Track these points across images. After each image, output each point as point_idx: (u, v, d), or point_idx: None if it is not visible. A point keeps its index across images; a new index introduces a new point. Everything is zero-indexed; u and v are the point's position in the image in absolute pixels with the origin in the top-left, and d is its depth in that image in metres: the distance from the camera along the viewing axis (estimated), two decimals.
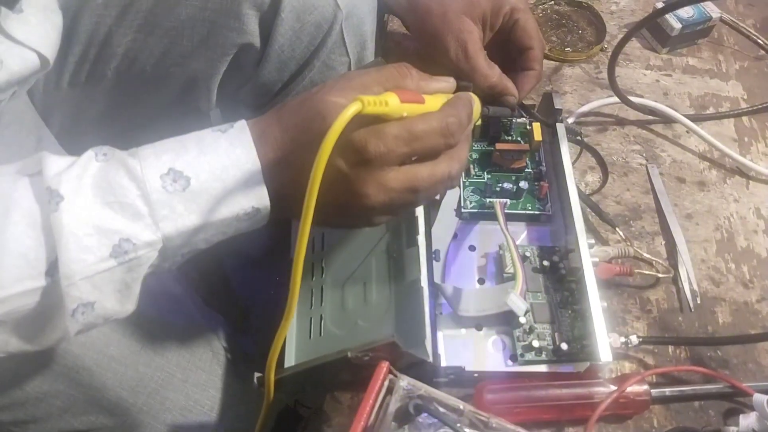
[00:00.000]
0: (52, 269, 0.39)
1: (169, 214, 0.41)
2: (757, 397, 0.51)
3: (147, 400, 0.58)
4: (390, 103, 0.40)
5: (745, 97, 0.77)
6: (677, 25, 0.77)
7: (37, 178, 0.40)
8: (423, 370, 0.50)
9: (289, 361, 0.54)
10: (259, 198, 0.42)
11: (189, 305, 0.66)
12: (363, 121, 0.40)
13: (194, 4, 0.58)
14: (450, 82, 0.48)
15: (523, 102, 0.63)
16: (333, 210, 0.43)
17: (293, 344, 0.55)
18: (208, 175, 0.41)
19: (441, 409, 0.44)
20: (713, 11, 0.78)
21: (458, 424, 0.44)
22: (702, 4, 0.78)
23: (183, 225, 0.41)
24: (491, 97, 0.59)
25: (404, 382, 0.45)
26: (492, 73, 0.58)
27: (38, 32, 0.53)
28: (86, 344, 0.55)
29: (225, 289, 0.81)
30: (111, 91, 0.67)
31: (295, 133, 0.42)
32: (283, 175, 0.42)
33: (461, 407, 0.45)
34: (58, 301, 0.40)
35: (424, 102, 0.43)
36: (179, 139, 0.43)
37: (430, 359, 0.49)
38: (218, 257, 0.85)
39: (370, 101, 0.38)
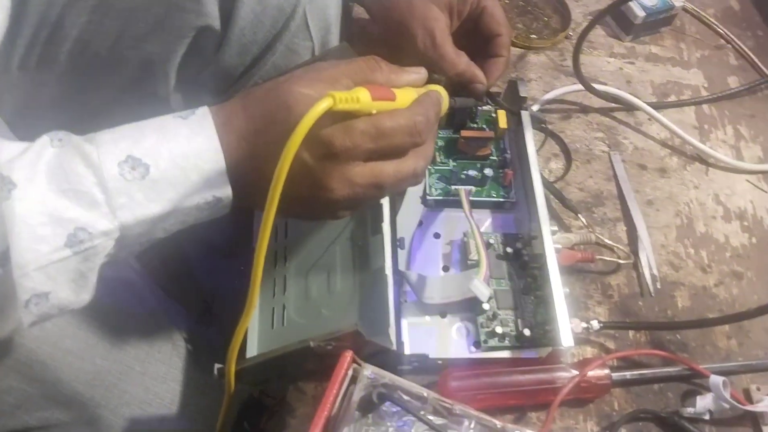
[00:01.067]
0: (3, 259, 0.38)
1: (127, 203, 0.40)
2: (714, 379, 0.53)
3: (105, 394, 0.56)
4: (361, 99, 0.39)
5: (706, 85, 0.79)
6: (641, 14, 0.77)
7: None
8: (387, 358, 0.49)
9: (252, 351, 0.53)
10: (221, 187, 0.42)
11: (148, 295, 0.64)
12: (332, 116, 0.39)
13: None
14: (420, 74, 0.48)
15: (489, 90, 0.62)
16: (297, 202, 0.43)
17: (255, 334, 0.54)
18: (168, 163, 0.40)
19: (405, 397, 0.44)
20: (676, 0, 0.79)
21: (422, 412, 0.44)
22: None
23: (142, 214, 0.40)
24: (459, 85, 0.59)
25: (368, 371, 0.45)
26: (460, 60, 0.57)
27: None
28: (40, 337, 0.53)
29: (187, 278, 0.79)
30: (64, 75, 0.65)
31: (261, 123, 0.41)
32: (247, 164, 0.42)
33: (425, 395, 0.45)
34: (10, 292, 0.38)
35: (395, 98, 0.43)
36: (139, 125, 0.41)
37: (394, 347, 0.48)
38: (180, 245, 0.84)
39: (341, 98, 0.38)
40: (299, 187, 0.41)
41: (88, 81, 0.65)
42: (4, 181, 0.37)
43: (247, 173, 0.42)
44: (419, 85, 0.47)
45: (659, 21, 0.81)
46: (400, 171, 0.44)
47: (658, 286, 0.61)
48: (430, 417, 0.44)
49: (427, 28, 0.58)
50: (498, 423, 0.45)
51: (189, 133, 0.41)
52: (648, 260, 0.62)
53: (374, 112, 0.41)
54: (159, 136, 0.40)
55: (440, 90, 0.49)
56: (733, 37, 0.83)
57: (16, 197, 0.37)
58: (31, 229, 0.38)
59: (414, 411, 0.43)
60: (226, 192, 0.42)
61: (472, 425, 0.45)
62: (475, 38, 0.61)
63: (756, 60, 0.81)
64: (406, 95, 0.44)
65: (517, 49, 0.77)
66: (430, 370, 0.52)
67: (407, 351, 0.51)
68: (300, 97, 0.40)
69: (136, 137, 0.40)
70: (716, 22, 0.84)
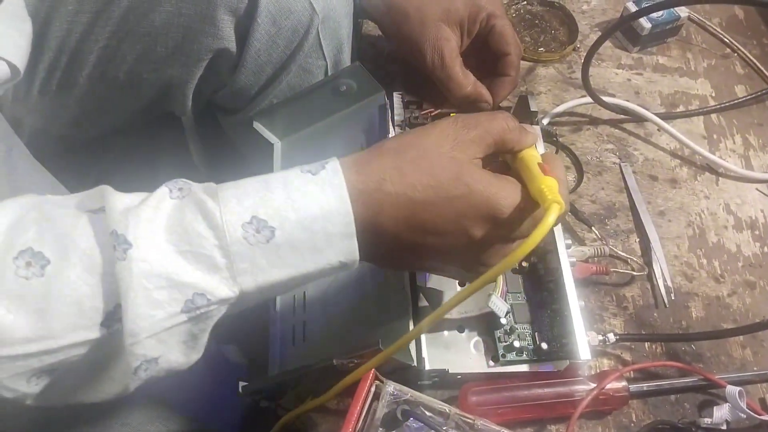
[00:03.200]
0: (109, 320, 0.36)
1: (250, 268, 0.37)
2: (730, 389, 0.53)
3: (129, 411, 0.57)
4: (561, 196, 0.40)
5: (713, 94, 0.79)
6: (647, 25, 0.78)
7: (99, 216, 0.37)
8: (407, 373, 0.50)
9: (273, 367, 0.54)
10: (349, 252, 0.39)
11: None
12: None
13: (168, 10, 0.57)
14: (535, 134, 0.50)
15: (500, 105, 0.63)
16: (447, 268, 0.46)
17: (277, 350, 0.55)
18: (294, 225, 0.37)
19: (427, 413, 0.45)
20: (681, 10, 0.80)
21: (444, 428, 0.45)
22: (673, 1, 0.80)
23: (264, 280, 0.38)
24: (466, 104, 0.60)
25: (391, 387, 0.46)
26: (467, 82, 0.59)
27: (7, 41, 0.52)
28: None
29: None
30: (83, 98, 0.66)
31: (428, 193, 0.40)
32: (397, 230, 0.41)
33: (447, 410, 0.46)
34: (115, 354, 0.37)
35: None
36: (264, 180, 0.39)
37: (415, 363, 0.49)
38: None
39: (562, 203, 0.40)
40: (457, 257, 0.43)
41: (106, 103, 0.67)
42: (119, 239, 0.35)
43: (395, 240, 0.41)
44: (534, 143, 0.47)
45: (665, 32, 0.81)
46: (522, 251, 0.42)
47: (673, 297, 0.62)
48: None
49: (437, 48, 0.59)
50: None
51: (319, 193, 0.38)
52: (662, 271, 0.63)
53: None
54: (286, 195, 0.38)
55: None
56: (738, 45, 0.84)
57: (133, 258, 0.35)
58: (148, 293, 0.35)
59: (437, 427, 0.44)
60: (354, 257, 0.39)
61: None
62: (485, 55, 0.63)
63: (762, 68, 0.82)
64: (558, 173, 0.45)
65: (526, 62, 0.78)
66: (450, 384, 0.53)
67: (427, 366, 0.52)
68: (469, 171, 0.41)
69: (261, 195, 0.38)
70: (722, 32, 0.85)
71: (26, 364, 0.36)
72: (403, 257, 0.44)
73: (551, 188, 0.40)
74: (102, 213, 0.36)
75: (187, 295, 0.36)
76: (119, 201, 0.36)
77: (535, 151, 0.45)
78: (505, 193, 0.41)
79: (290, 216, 0.37)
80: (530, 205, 0.41)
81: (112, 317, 0.35)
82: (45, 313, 0.35)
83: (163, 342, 0.37)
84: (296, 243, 0.37)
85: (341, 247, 0.39)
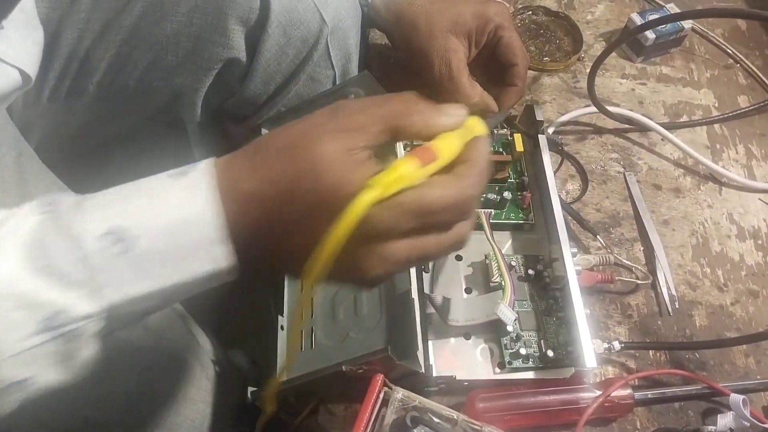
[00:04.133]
0: None
1: (113, 281, 0.35)
2: (734, 397, 0.54)
3: (136, 417, 0.58)
4: (408, 176, 0.34)
5: (716, 104, 0.80)
6: (651, 36, 0.79)
7: None
8: (415, 379, 0.51)
9: (281, 373, 0.54)
10: (222, 259, 0.36)
11: (176, 318, 0.65)
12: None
13: (179, 20, 0.58)
14: (460, 116, 0.39)
15: (507, 114, 0.64)
16: (329, 277, 0.36)
17: (284, 357, 0.55)
18: (158, 234, 0.35)
19: (435, 420, 0.46)
20: (685, 22, 0.81)
21: None
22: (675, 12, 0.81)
23: (132, 292, 0.35)
24: (474, 114, 0.61)
25: (399, 394, 0.46)
26: (474, 92, 0.59)
27: (19, 49, 0.52)
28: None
29: (213, 301, 0.81)
30: (92, 104, 0.67)
31: (280, 189, 0.35)
32: (260, 233, 0.36)
33: (455, 417, 0.46)
34: None
35: (437, 159, 0.36)
36: (133, 187, 0.36)
37: (422, 370, 0.50)
38: None
39: (388, 183, 0.33)
40: (333, 266, 0.35)
41: (116, 109, 0.67)
42: None
43: (260, 242, 0.36)
44: (458, 128, 0.40)
45: (669, 42, 0.82)
46: (442, 244, 0.38)
47: (677, 306, 0.62)
48: None
49: (445, 59, 0.60)
50: None
51: (183, 198, 0.35)
52: (666, 280, 0.63)
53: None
54: (149, 201, 0.35)
55: (478, 125, 0.40)
56: (741, 56, 0.85)
57: None
58: (5, 314, 0.34)
59: None
60: (228, 263, 0.36)
61: None
62: (493, 65, 0.63)
63: (764, 79, 0.83)
64: (449, 146, 0.37)
65: (531, 71, 0.79)
66: (456, 391, 0.54)
67: (434, 373, 0.52)
68: (327, 162, 0.34)
69: (125, 202, 0.35)
70: (725, 42, 0.86)
71: None
72: (288, 259, 0.38)
73: (387, 173, 0.34)
74: None
75: (45, 313, 0.34)
76: None
77: (452, 138, 0.37)
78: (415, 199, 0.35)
79: (152, 222, 0.34)
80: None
81: None
82: None
83: (29, 363, 0.35)
84: (160, 252, 0.35)
85: (211, 254, 0.35)
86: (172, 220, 0.34)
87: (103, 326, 0.36)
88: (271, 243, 0.36)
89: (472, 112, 0.61)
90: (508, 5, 0.83)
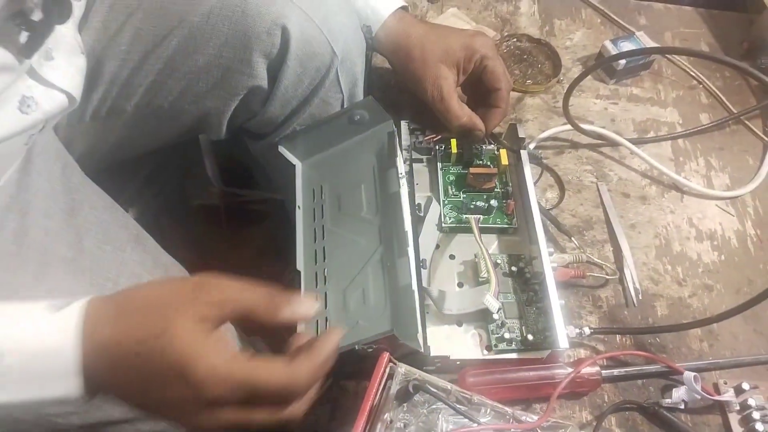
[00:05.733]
0: None
1: None
2: (687, 374, 0.63)
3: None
4: None
5: (681, 122, 0.90)
6: (622, 62, 0.89)
7: None
8: (415, 359, 0.60)
9: None
10: (74, 388, 0.40)
11: None
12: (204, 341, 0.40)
13: (210, 53, 0.66)
14: (311, 309, 0.44)
15: (492, 132, 0.74)
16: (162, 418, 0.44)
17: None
18: (23, 355, 0.40)
19: (433, 389, 0.55)
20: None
21: (448, 400, 0.54)
22: (643, 40, 0.91)
23: None
24: (463, 131, 0.71)
25: (402, 368, 0.55)
26: (462, 113, 0.69)
27: (66, 75, 0.59)
28: None
29: None
30: (129, 123, 0.74)
31: (129, 343, 0.40)
32: (111, 376, 0.41)
33: (449, 387, 0.55)
34: None
35: None
36: (14, 310, 0.41)
37: (422, 350, 0.59)
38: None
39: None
40: (166, 412, 0.41)
41: (150, 128, 0.76)
42: None
43: (112, 386, 0.42)
44: (309, 319, 0.46)
45: (639, 66, 0.92)
46: (270, 419, 0.42)
47: (641, 298, 0.72)
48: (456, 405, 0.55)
49: (436, 85, 0.70)
50: (508, 410, 0.56)
51: (52, 331, 0.40)
52: (631, 276, 0.73)
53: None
54: (22, 328, 0.40)
55: (337, 333, 0.46)
56: (703, 78, 0.95)
57: None
58: None
59: (443, 398, 0.53)
60: (75, 394, 0.41)
61: (488, 412, 0.56)
62: (480, 89, 0.73)
63: (724, 99, 0.92)
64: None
65: (516, 92, 0.88)
66: (450, 369, 0.62)
67: (432, 353, 0.61)
68: (178, 330, 0.39)
69: (2, 325, 0.40)
70: (689, 66, 0.96)
71: None
72: (145, 409, 0.44)
73: None
74: None
75: None
76: None
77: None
78: (201, 360, 0.39)
79: (18, 347, 0.40)
80: (232, 376, 0.40)
81: None
82: None
83: None
84: (20, 371, 0.40)
85: (65, 383, 0.40)
86: (38, 349, 0.40)
87: None
88: (124, 390, 0.42)
89: (461, 131, 0.71)
90: (495, 33, 0.93)
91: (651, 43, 0.91)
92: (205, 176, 1.11)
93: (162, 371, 0.40)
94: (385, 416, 0.53)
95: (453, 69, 0.71)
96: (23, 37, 0.50)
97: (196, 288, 0.42)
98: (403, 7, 0.74)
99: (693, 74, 0.95)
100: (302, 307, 0.44)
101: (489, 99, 0.72)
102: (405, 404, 0.55)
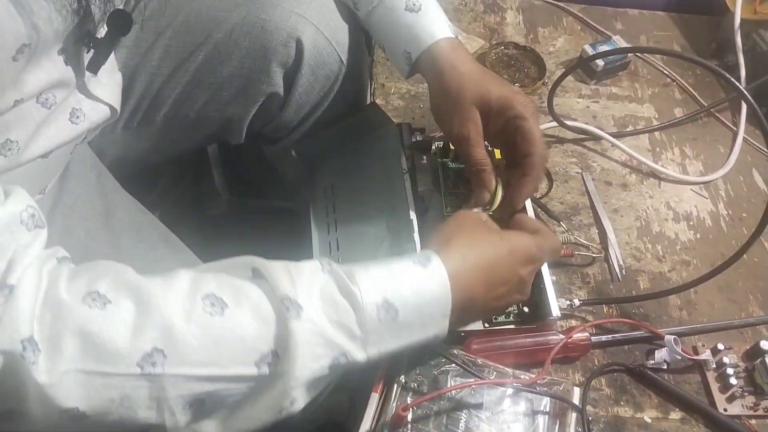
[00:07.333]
0: (261, 361, 0.44)
1: (377, 341, 0.48)
2: (668, 337, 0.70)
3: None
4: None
5: (656, 116, 0.98)
6: (601, 63, 0.97)
7: (259, 282, 0.47)
8: None
9: None
10: (443, 328, 0.52)
11: None
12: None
13: (234, 65, 0.74)
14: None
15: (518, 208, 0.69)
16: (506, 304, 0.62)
17: None
18: (411, 308, 0.49)
19: (443, 352, 0.62)
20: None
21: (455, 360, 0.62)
22: (620, 43, 1.00)
23: (385, 350, 0.49)
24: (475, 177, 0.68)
25: None
26: (483, 167, 0.66)
27: (108, 89, 0.66)
28: None
29: None
30: (158, 132, 0.81)
31: (491, 258, 0.56)
32: (466, 307, 0.54)
33: (456, 352, 0.63)
34: (263, 397, 0.45)
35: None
36: (386, 269, 0.50)
37: None
38: None
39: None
40: (515, 292, 0.59)
41: (177, 136, 0.83)
42: (292, 303, 0.45)
43: (464, 312, 0.54)
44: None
45: (617, 67, 1.00)
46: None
47: (624, 273, 0.79)
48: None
49: (464, 127, 0.65)
50: (509, 370, 0.63)
51: (430, 285, 0.50)
52: (615, 254, 0.80)
53: None
54: (408, 284, 0.49)
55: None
56: (677, 76, 1.03)
57: (305, 318, 0.45)
58: (311, 348, 0.45)
59: (453, 359, 0.61)
60: (445, 331, 0.52)
61: (491, 372, 0.63)
62: (513, 151, 0.66)
63: (696, 94, 1.01)
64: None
65: None
66: (456, 340, 0.69)
67: None
68: (509, 236, 0.59)
69: (390, 281, 0.49)
70: (663, 65, 1.04)
71: (191, 387, 0.43)
72: (482, 311, 0.61)
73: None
74: (260, 280, 0.47)
75: (336, 353, 0.46)
76: (278, 270, 0.47)
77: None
78: (532, 242, 0.59)
79: (409, 301, 0.49)
80: (542, 241, 0.61)
81: (264, 360, 0.44)
82: (218, 344, 0.43)
83: (310, 388, 0.47)
84: (411, 321, 0.49)
85: (439, 325, 0.52)
86: (422, 300, 0.50)
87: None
88: (490, 296, 0.57)
89: (474, 176, 0.70)
90: (484, 42, 1.01)
91: (627, 53, 0.99)
92: (214, 187, 1.18)
93: (520, 261, 0.58)
94: (401, 377, 0.61)
95: (485, 116, 0.65)
96: (89, 55, 0.57)
97: (515, 239, 0.60)
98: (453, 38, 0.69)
99: (667, 73, 1.03)
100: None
101: (521, 163, 0.66)
102: (418, 368, 0.62)
